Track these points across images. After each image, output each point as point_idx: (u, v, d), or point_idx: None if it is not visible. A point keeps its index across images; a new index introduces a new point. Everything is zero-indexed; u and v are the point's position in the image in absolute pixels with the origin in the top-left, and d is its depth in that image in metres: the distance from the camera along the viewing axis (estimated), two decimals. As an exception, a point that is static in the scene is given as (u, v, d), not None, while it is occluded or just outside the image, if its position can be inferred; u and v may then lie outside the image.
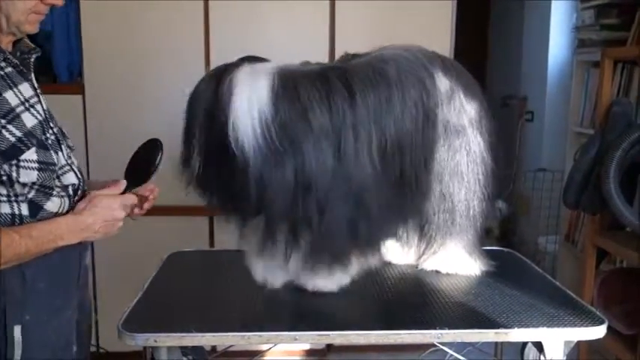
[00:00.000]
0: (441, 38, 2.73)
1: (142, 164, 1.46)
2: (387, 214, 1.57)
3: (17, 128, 1.26)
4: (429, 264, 1.78)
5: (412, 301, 1.56)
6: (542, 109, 4.09)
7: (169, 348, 1.39)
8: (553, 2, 3.91)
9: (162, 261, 1.89)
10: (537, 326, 1.41)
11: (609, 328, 1.48)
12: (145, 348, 1.43)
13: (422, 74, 1.57)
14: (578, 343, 1.73)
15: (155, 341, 1.36)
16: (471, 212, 1.69)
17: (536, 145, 4.17)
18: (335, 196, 1.43)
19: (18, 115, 1.28)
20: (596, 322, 1.44)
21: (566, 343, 1.43)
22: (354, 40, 2.56)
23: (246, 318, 1.48)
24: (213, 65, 2.74)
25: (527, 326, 1.41)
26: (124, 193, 1.41)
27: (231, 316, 1.49)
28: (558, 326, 1.41)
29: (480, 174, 1.68)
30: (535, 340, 1.46)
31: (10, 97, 1.28)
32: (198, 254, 2.01)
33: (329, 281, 1.56)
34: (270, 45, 2.57)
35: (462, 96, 1.65)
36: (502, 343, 1.90)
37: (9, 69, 1.31)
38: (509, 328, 1.41)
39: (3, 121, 1.24)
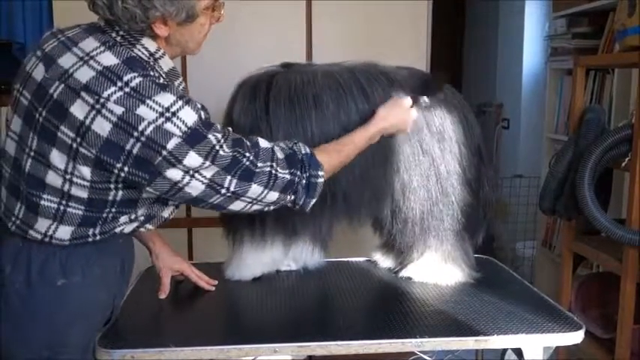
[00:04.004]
0: (417, 47, 2.74)
1: (431, 82, 1.70)
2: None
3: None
4: (407, 272, 1.78)
5: (392, 310, 1.56)
6: (517, 116, 4.14)
7: (147, 364, 1.37)
8: (526, 11, 3.97)
9: (139, 274, 1.86)
10: (516, 333, 1.42)
11: (587, 332, 1.50)
12: (122, 364, 1.40)
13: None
14: (557, 347, 1.74)
15: (132, 357, 1.34)
16: (448, 221, 1.70)
17: (512, 152, 4.21)
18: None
19: None
20: (574, 327, 1.46)
21: (545, 348, 1.45)
22: (330, 42, 2.57)
23: (226, 331, 1.46)
24: (189, 62, 2.69)
25: (507, 333, 1.42)
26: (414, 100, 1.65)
27: (211, 329, 1.48)
28: (537, 332, 1.43)
29: (457, 184, 1.69)
30: (514, 346, 1.47)
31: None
32: (177, 267, 1.98)
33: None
34: (246, 44, 2.55)
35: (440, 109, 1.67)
36: (482, 350, 1.90)
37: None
38: (489, 335, 1.42)
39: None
